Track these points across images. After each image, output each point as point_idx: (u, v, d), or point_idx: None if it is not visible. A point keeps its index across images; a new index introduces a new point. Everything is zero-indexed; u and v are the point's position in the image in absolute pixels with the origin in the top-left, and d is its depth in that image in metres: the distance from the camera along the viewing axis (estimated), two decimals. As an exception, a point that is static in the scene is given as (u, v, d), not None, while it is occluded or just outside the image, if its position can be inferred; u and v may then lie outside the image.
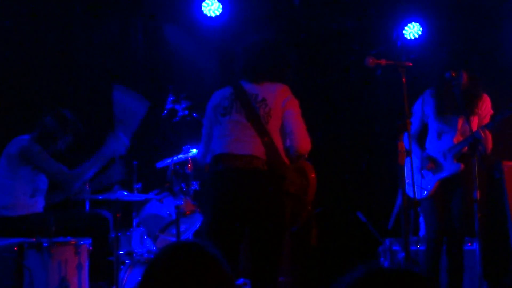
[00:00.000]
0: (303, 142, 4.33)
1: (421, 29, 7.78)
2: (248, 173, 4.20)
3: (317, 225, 6.39)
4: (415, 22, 7.80)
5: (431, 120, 5.57)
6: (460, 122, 5.45)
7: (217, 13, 7.59)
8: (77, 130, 5.81)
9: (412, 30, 7.80)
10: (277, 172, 4.23)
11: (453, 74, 5.23)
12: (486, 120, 5.47)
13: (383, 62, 4.89)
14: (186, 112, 5.47)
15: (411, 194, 5.04)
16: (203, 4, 7.58)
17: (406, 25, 7.80)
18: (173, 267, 1.92)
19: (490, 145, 5.38)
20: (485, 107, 5.51)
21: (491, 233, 6.89)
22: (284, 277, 6.14)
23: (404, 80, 4.87)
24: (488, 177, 7.27)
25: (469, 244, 6.14)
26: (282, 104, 4.30)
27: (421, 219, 6.65)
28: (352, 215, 7.11)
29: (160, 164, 6.20)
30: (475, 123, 5.42)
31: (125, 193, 5.72)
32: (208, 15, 7.59)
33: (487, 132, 5.28)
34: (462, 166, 5.35)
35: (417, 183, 5.40)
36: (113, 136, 5.62)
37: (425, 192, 5.48)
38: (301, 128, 4.34)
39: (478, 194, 4.97)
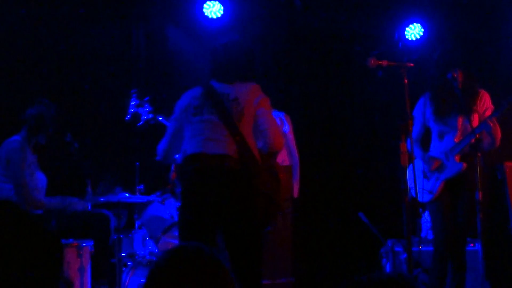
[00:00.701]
0: (277, 139, 4.33)
1: (423, 30, 7.78)
2: (221, 172, 4.19)
3: (294, 226, 6.38)
4: (416, 23, 7.80)
5: (432, 123, 5.56)
6: (460, 121, 5.43)
7: (219, 15, 7.59)
8: (55, 119, 5.77)
9: (414, 31, 7.81)
10: (250, 171, 4.23)
11: (455, 75, 5.23)
12: (487, 115, 5.46)
13: (384, 63, 4.89)
14: (151, 115, 5.46)
15: (414, 195, 5.01)
16: (205, 5, 7.58)
17: (407, 26, 7.81)
18: (177, 271, 1.91)
19: (499, 134, 5.34)
20: (484, 103, 5.48)
21: (493, 233, 6.88)
22: (286, 278, 6.13)
23: (405, 81, 4.87)
24: (490, 178, 7.26)
25: (472, 244, 6.13)
26: (254, 103, 4.31)
27: (422, 220, 6.65)
28: (354, 216, 7.10)
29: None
30: (475, 120, 5.40)
31: (127, 195, 5.73)
32: (210, 16, 7.59)
33: (495, 121, 5.26)
34: (464, 165, 5.33)
35: (422, 186, 5.39)
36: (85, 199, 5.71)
37: (431, 195, 5.45)
38: (274, 126, 4.37)
39: (480, 195, 4.96)
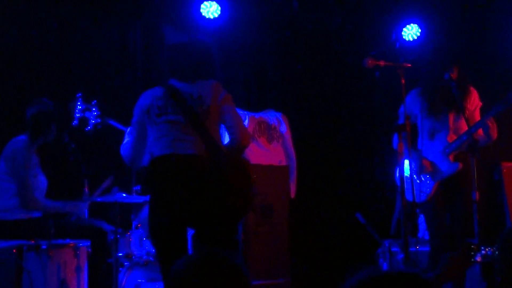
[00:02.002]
0: (245, 135, 4.36)
1: (420, 30, 7.78)
2: (192, 173, 4.18)
3: (291, 226, 6.37)
4: (413, 23, 7.80)
5: (420, 120, 5.53)
6: (451, 119, 5.42)
7: (216, 15, 7.59)
8: (61, 117, 5.77)
9: (411, 32, 7.81)
10: (220, 169, 4.22)
11: (452, 75, 5.23)
12: (476, 112, 5.46)
13: (381, 63, 4.90)
14: (99, 120, 5.44)
15: (410, 198, 5.01)
16: (202, 6, 7.57)
17: (404, 26, 7.81)
18: (201, 281, 1.92)
19: (495, 134, 5.33)
20: (473, 100, 5.48)
21: (490, 234, 6.89)
22: (283, 278, 6.13)
23: (403, 81, 4.87)
24: (487, 178, 7.27)
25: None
26: (218, 100, 4.32)
27: (419, 220, 6.65)
28: (351, 216, 7.10)
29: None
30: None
31: (123, 195, 5.72)
32: (207, 17, 7.59)
33: (493, 120, 5.25)
34: (460, 165, 5.33)
35: (416, 186, 5.38)
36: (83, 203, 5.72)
37: (425, 195, 5.45)
38: (240, 122, 4.39)
39: (477, 195, 4.96)
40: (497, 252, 3.03)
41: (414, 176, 5.43)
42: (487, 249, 4.92)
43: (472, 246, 4.60)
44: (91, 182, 5.86)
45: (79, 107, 5.40)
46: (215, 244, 4.26)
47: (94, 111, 5.41)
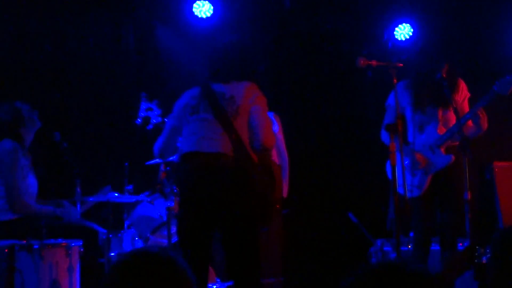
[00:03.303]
0: (268, 136, 4.32)
1: (412, 30, 7.80)
2: (216, 170, 4.18)
3: (284, 225, 6.38)
4: (406, 23, 7.82)
5: (408, 113, 5.53)
6: (440, 112, 5.42)
7: (208, 14, 7.59)
8: (29, 109, 5.75)
9: (403, 31, 7.82)
10: (245, 169, 4.22)
11: (444, 75, 5.24)
12: (465, 103, 5.46)
13: (374, 63, 4.90)
14: (160, 119, 5.47)
15: (402, 192, 4.99)
16: (194, 5, 7.57)
17: (397, 26, 7.82)
18: (132, 273, 1.92)
19: (485, 124, 5.31)
20: (462, 91, 5.49)
21: (481, 233, 6.91)
22: (276, 277, 6.14)
23: (395, 80, 4.88)
24: (479, 178, 7.29)
25: (460, 244, 6.15)
26: (250, 101, 4.31)
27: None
28: (343, 216, 7.11)
29: (149, 163, 6.20)
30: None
31: (116, 194, 5.72)
32: (199, 16, 7.59)
33: (483, 111, 5.25)
34: (453, 157, 5.32)
35: (408, 181, 5.37)
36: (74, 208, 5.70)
37: (420, 190, 5.43)
38: (266, 123, 4.34)
39: (469, 195, 4.97)
40: (488, 252, 3.04)
41: (406, 171, 5.43)
42: (482, 250, 4.93)
43: (477, 247, 4.61)
44: (83, 181, 5.85)
45: (143, 106, 5.45)
46: (236, 247, 4.27)
47: (156, 111, 5.44)
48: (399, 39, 7.81)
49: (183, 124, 4.41)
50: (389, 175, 5.37)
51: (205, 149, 4.24)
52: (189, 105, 4.40)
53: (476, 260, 4.41)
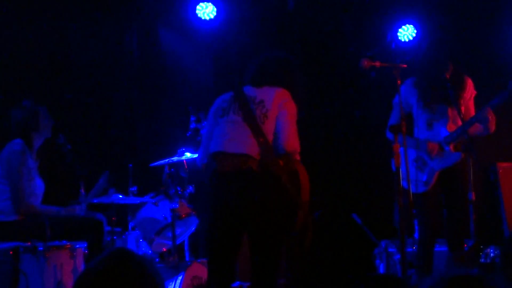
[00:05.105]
0: (291, 140, 4.32)
1: (415, 31, 7.80)
2: (242, 174, 4.19)
3: (312, 228, 6.37)
4: (409, 24, 7.82)
5: (416, 110, 5.53)
6: (450, 110, 5.43)
7: (212, 16, 7.59)
8: (47, 118, 5.77)
9: (406, 32, 7.82)
10: (272, 173, 4.22)
11: (447, 76, 5.24)
12: (471, 102, 5.47)
13: (377, 64, 4.89)
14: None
15: (407, 187, 4.95)
16: (198, 7, 7.58)
17: (400, 27, 7.82)
18: (100, 275, 1.93)
19: (493, 126, 5.32)
20: (468, 89, 5.50)
21: (486, 234, 6.90)
22: (280, 279, 6.13)
23: (398, 82, 4.88)
24: (483, 179, 7.28)
25: (465, 245, 6.14)
26: (279, 106, 4.31)
27: (416, 221, 6.65)
28: (347, 217, 7.11)
29: (154, 164, 6.21)
30: (461, 109, 5.43)
31: (120, 196, 5.72)
32: (203, 18, 7.59)
33: (491, 111, 5.26)
34: (462, 154, 5.32)
35: (415, 177, 5.37)
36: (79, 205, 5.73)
37: (426, 186, 5.41)
38: (291, 128, 4.33)
39: (473, 196, 4.97)
40: (499, 254, 3.03)
41: (414, 164, 5.42)
42: (489, 250, 4.92)
43: (481, 247, 4.60)
44: (86, 183, 5.85)
45: (192, 118, 5.53)
46: (261, 253, 4.26)
47: (204, 122, 5.50)
48: (403, 40, 7.81)
49: (214, 127, 4.43)
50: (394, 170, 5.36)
51: (232, 150, 4.25)
52: (220, 108, 4.43)
53: (481, 261, 4.40)
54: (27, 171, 5.55)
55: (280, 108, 4.31)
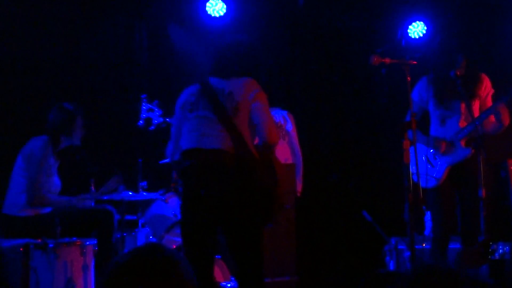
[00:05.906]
0: (271, 133, 4.27)
1: (426, 28, 7.78)
2: (217, 168, 4.16)
3: (297, 223, 6.35)
4: (419, 21, 7.81)
5: (431, 107, 5.55)
6: (463, 106, 5.43)
7: (221, 13, 7.60)
8: (83, 120, 5.83)
9: (417, 29, 7.81)
10: (246, 166, 4.20)
11: (458, 72, 5.23)
12: (488, 99, 5.47)
13: (387, 60, 4.88)
14: (161, 119, 5.49)
15: (416, 180, 4.95)
16: (207, 4, 7.59)
17: (410, 24, 7.81)
18: (132, 271, 1.91)
19: (507, 120, 5.33)
20: (485, 87, 5.49)
21: (497, 231, 6.88)
22: (290, 276, 6.13)
23: (408, 78, 4.86)
24: (494, 175, 7.25)
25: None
26: (249, 97, 4.26)
27: (426, 217, 6.64)
28: (357, 214, 7.09)
29: (164, 161, 6.22)
30: (476, 105, 5.42)
31: (130, 193, 5.73)
32: (212, 15, 7.60)
33: (504, 106, 5.25)
34: (472, 150, 5.32)
35: (426, 171, 5.37)
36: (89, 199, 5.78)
37: (435, 181, 5.41)
38: (269, 120, 4.29)
39: (483, 192, 4.95)
40: (508, 251, 3.02)
41: (425, 160, 5.43)
42: (498, 246, 4.89)
43: (490, 243, 4.57)
44: (97, 181, 5.87)
45: (143, 107, 5.49)
46: (240, 244, 4.25)
47: (157, 111, 5.47)
48: (413, 37, 7.79)
49: (183, 122, 4.38)
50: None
51: (206, 145, 4.21)
52: (188, 102, 4.37)
53: (491, 257, 4.38)
54: (48, 166, 5.59)
55: (252, 100, 4.26)
